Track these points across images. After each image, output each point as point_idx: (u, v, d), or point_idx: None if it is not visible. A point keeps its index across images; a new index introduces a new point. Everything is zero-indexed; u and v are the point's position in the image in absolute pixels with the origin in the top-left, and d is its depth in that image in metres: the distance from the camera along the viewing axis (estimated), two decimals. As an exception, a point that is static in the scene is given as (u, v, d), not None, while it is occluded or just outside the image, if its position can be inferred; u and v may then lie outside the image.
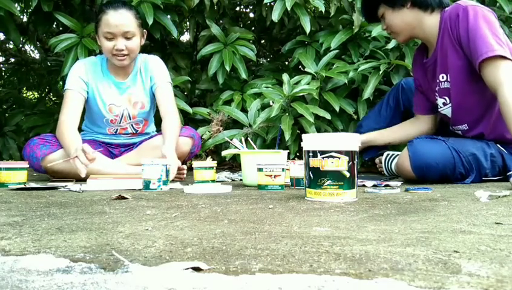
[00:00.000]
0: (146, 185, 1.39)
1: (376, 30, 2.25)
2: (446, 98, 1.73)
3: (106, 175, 1.61)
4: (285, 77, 2.24)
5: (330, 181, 1.09)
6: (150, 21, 2.18)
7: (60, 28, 2.91)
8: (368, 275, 0.46)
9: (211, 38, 2.54)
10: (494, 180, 1.67)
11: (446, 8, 1.65)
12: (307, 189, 1.14)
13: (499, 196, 1.16)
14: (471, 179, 1.61)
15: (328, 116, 2.22)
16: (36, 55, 4.05)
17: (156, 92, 1.88)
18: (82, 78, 1.84)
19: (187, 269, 0.48)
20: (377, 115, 2.08)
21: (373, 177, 1.81)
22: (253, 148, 1.81)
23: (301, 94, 2.21)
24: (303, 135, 1.16)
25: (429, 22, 1.67)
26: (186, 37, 3.28)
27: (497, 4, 2.38)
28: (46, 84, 3.76)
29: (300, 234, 0.68)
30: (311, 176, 1.11)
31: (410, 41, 2.27)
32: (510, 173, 1.56)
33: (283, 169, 1.44)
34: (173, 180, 1.69)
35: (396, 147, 2.19)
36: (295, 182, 1.50)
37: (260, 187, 1.44)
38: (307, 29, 2.32)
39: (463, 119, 1.72)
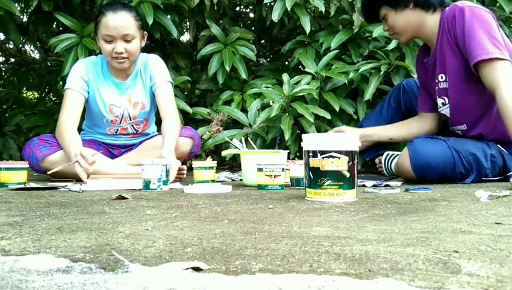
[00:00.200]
0: (146, 185, 1.39)
1: (377, 31, 2.25)
2: (445, 98, 1.73)
3: (106, 175, 1.61)
4: (285, 77, 2.24)
5: (330, 181, 1.09)
6: (150, 21, 2.18)
7: (60, 28, 2.91)
8: (368, 275, 0.46)
9: (211, 38, 2.54)
10: (494, 181, 1.67)
11: (447, 8, 1.65)
12: (307, 189, 1.14)
13: (499, 196, 1.16)
14: (471, 179, 1.61)
15: (328, 116, 2.22)
16: (36, 55, 4.05)
17: (156, 91, 1.88)
18: (82, 77, 1.83)
19: (187, 269, 0.48)
20: (378, 115, 2.08)
21: (373, 177, 1.81)
22: (253, 148, 1.81)
23: (301, 94, 2.21)
24: (303, 135, 1.16)
25: (431, 22, 1.67)
26: (186, 37, 3.28)
27: (497, 4, 2.38)
28: (46, 84, 3.76)
29: (300, 234, 0.68)
30: (311, 176, 1.11)
31: (410, 42, 2.27)
32: (510, 173, 1.56)
33: (283, 169, 1.44)
34: (173, 180, 1.69)
35: (396, 147, 2.19)
36: (295, 182, 1.50)
37: (260, 187, 1.44)
38: (307, 29, 2.32)
39: (462, 120, 1.73)
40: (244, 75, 2.44)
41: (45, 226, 0.75)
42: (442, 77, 1.71)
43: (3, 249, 0.59)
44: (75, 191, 1.36)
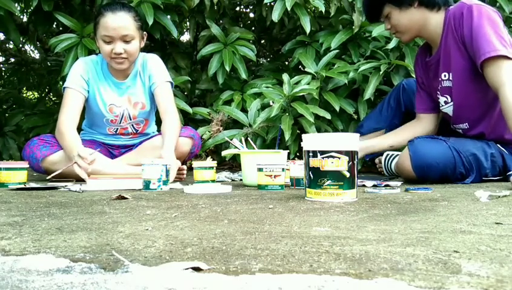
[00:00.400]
0: (146, 185, 1.39)
1: (377, 30, 2.25)
2: (448, 97, 1.73)
3: (106, 175, 1.61)
4: (285, 76, 2.24)
5: (330, 181, 1.09)
6: (150, 21, 2.18)
7: (60, 28, 2.91)
8: (368, 275, 0.46)
9: (211, 38, 2.54)
10: (494, 180, 1.67)
11: (451, 7, 1.65)
12: (307, 189, 1.14)
13: (499, 196, 1.16)
14: (471, 179, 1.61)
15: (328, 116, 2.22)
16: (36, 55, 4.06)
17: (155, 91, 1.87)
18: (82, 76, 1.83)
19: (187, 269, 0.48)
20: (378, 115, 2.08)
21: (373, 177, 1.81)
22: (253, 148, 1.81)
23: (301, 94, 2.21)
24: (303, 135, 1.16)
25: (435, 21, 1.66)
26: (186, 37, 3.28)
27: (497, 4, 2.38)
28: (46, 84, 3.77)
29: (300, 234, 0.68)
30: (311, 176, 1.11)
31: (411, 41, 2.27)
32: (510, 173, 1.56)
33: (283, 169, 1.44)
34: (173, 180, 1.69)
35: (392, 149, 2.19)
36: (295, 182, 1.50)
37: (260, 187, 1.44)
38: (307, 29, 2.32)
39: (464, 118, 1.72)
40: (244, 75, 2.44)
41: (45, 226, 0.75)
42: (445, 76, 1.70)
43: (3, 249, 0.59)
44: (75, 191, 1.36)
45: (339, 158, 1.08)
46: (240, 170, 1.75)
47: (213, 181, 1.64)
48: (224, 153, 1.72)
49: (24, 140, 2.67)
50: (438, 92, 1.77)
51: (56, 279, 0.45)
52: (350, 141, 1.11)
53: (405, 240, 0.63)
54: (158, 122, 2.02)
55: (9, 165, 1.49)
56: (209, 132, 2.30)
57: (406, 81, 2.07)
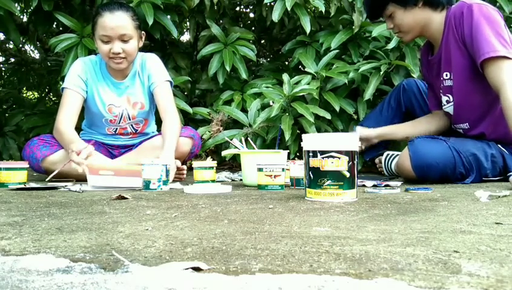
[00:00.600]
0: (146, 185, 1.39)
1: (377, 30, 2.25)
2: (450, 96, 1.73)
3: (106, 168, 1.58)
4: (285, 76, 2.24)
5: (330, 181, 1.09)
6: (150, 21, 2.18)
7: (60, 28, 2.91)
8: (368, 275, 0.46)
9: (211, 38, 2.54)
10: (494, 181, 1.67)
11: (452, 6, 1.65)
12: (307, 189, 1.14)
13: (499, 196, 1.16)
14: (471, 179, 1.61)
15: (328, 116, 2.22)
16: (36, 55, 4.06)
17: (154, 91, 1.87)
18: (80, 76, 1.83)
19: (187, 269, 0.48)
20: (378, 115, 2.08)
21: (373, 177, 1.81)
22: (253, 148, 1.81)
23: (301, 94, 2.21)
24: (303, 135, 1.16)
25: (437, 20, 1.66)
26: (186, 37, 3.28)
27: (497, 4, 2.38)
28: (46, 84, 3.77)
29: (300, 234, 0.68)
30: (311, 176, 1.11)
31: (412, 41, 2.27)
32: (510, 173, 1.56)
33: (283, 169, 1.44)
34: (173, 180, 1.69)
35: (396, 147, 2.19)
36: (295, 182, 1.50)
37: (260, 187, 1.44)
38: (307, 29, 2.32)
39: (464, 118, 1.72)
40: (244, 75, 2.44)
41: (45, 226, 0.75)
42: (446, 75, 1.70)
43: (3, 249, 0.59)
44: (75, 191, 1.36)
45: (339, 158, 1.08)
46: (240, 170, 1.75)
47: (213, 181, 1.64)
48: (224, 153, 1.72)
49: (24, 140, 2.67)
50: (441, 91, 1.77)
51: (56, 279, 0.45)
52: (350, 141, 1.11)
53: (405, 240, 0.63)
54: (158, 122, 2.02)
55: (9, 165, 1.49)
56: (209, 131, 2.30)
57: (406, 82, 2.07)
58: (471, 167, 1.60)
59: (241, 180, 1.85)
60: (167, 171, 1.43)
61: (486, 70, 1.52)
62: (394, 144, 2.17)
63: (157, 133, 2.05)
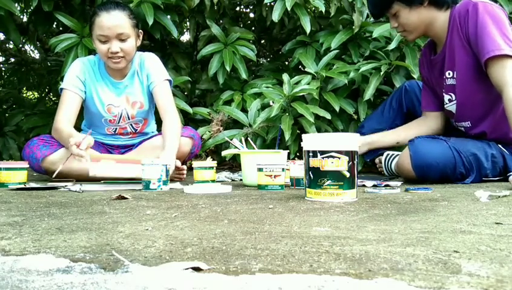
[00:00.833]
0: (146, 185, 1.39)
1: (377, 31, 2.25)
2: (452, 95, 1.73)
3: (108, 157, 1.57)
4: (285, 76, 2.24)
5: (330, 181, 1.09)
6: (150, 21, 2.18)
7: (60, 28, 2.91)
8: (368, 275, 0.46)
9: (211, 39, 2.54)
10: (494, 181, 1.67)
11: (457, 5, 1.65)
12: (307, 189, 1.14)
13: (499, 196, 1.16)
14: (471, 179, 1.60)
15: (328, 116, 2.22)
16: (36, 55, 4.06)
17: (154, 91, 1.87)
18: (78, 77, 1.83)
19: (187, 269, 0.48)
20: (379, 116, 2.09)
21: (373, 177, 1.81)
22: (253, 148, 1.81)
23: (301, 94, 2.21)
24: (303, 135, 1.16)
25: (441, 19, 1.66)
26: (186, 37, 3.28)
27: (497, 4, 2.38)
28: (46, 84, 3.77)
29: (300, 234, 0.68)
30: (311, 176, 1.11)
31: (412, 42, 2.27)
32: (510, 173, 1.56)
33: (283, 169, 1.44)
34: (173, 180, 1.69)
35: (397, 147, 2.19)
36: (295, 182, 1.50)
37: (260, 187, 1.44)
38: (307, 29, 2.32)
39: (467, 116, 1.72)
40: (244, 75, 2.44)
41: (45, 226, 0.75)
42: (449, 74, 1.70)
43: (3, 249, 0.59)
44: (75, 191, 1.36)
45: (339, 158, 1.08)
46: (240, 170, 1.75)
47: (213, 181, 1.64)
48: (224, 153, 1.72)
49: (24, 140, 2.67)
50: (443, 90, 1.77)
51: (56, 279, 0.45)
52: (350, 141, 1.11)
53: (405, 240, 0.63)
54: (158, 121, 2.02)
55: (9, 165, 1.49)
56: (209, 132, 2.30)
57: (408, 83, 2.08)
58: (471, 167, 1.60)
59: (241, 180, 1.85)
60: (167, 171, 1.43)
61: (490, 69, 1.52)
62: (384, 147, 2.17)
63: (156, 133, 2.05)
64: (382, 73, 2.19)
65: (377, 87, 2.26)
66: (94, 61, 1.89)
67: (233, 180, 1.89)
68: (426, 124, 1.89)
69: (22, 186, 1.45)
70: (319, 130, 2.29)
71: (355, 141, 1.12)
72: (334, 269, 0.48)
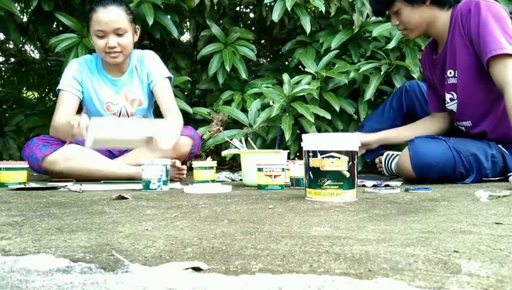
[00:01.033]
0: (146, 185, 1.39)
1: (377, 30, 2.25)
2: (453, 94, 1.73)
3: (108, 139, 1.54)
4: (285, 76, 2.24)
5: (330, 181, 1.09)
6: (150, 21, 2.19)
7: (60, 28, 2.91)
8: (368, 275, 0.46)
9: (211, 39, 2.54)
10: (494, 181, 1.67)
11: (459, 4, 1.65)
12: (307, 189, 1.14)
13: (499, 196, 1.16)
14: (471, 179, 1.60)
15: (328, 116, 2.22)
16: (36, 55, 4.06)
17: (154, 89, 1.87)
18: (75, 77, 1.83)
19: (187, 269, 0.48)
20: (380, 116, 2.09)
21: (373, 177, 1.81)
22: (253, 148, 1.81)
23: (301, 94, 2.21)
24: (303, 135, 1.16)
25: (443, 18, 1.66)
26: (186, 37, 3.28)
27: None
28: (46, 84, 3.77)
29: (300, 234, 0.68)
30: (311, 176, 1.11)
31: (410, 42, 2.27)
32: (510, 173, 1.56)
33: (283, 169, 1.44)
34: (173, 180, 1.69)
35: (397, 147, 2.20)
36: (295, 182, 1.50)
37: (260, 187, 1.44)
38: (307, 29, 2.32)
39: (467, 115, 1.72)
40: (244, 75, 2.44)
41: (45, 226, 0.75)
42: (450, 73, 1.70)
43: (3, 249, 0.59)
44: (75, 191, 1.36)
45: (339, 158, 1.08)
46: (240, 170, 1.75)
47: (213, 181, 1.64)
48: (224, 153, 1.72)
49: (24, 140, 2.67)
50: (444, 89, 1.77)
51: (56, 279, 0.45)
52: (350, 141, 1.11)
53: (405, 240, 0.63)
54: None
55: (9, 165, 1.49)
56: (209, 132, 2.30)
57: (409, 84, 2.08)
58: (471, 167, 1.60)
59: (241, 180, 1.85)
60: (167, 171, 1.43)
61: (492, 68, 1.52)
62: (395, 144, 2.17)
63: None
64: (382, 73, 2.19)
65: (378, 87, 2.26)
66: (90, 60, 1.90)
67: (233, 180, 1.89)
68: (435, 123, 1.87)
69: (22, 186, 1.45)
70: (319, 130, 2.29)
71: (355, 141, 1.12)
72: (334, 269, 0.48)
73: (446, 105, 1.79)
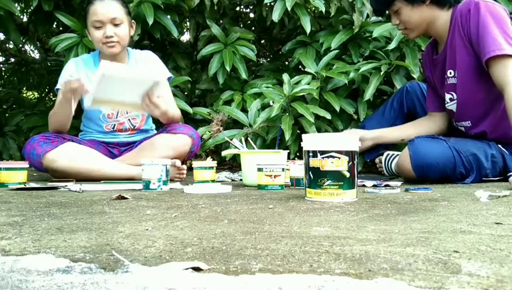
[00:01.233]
0: (146, 185, 1.39)
1: (377, 30, 2.25)
2: (453, 94, 1.73)
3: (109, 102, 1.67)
4: (285, 76, 2.24)
5: (330, 181, 1.09)
6: (150, 21, 2.19)
7: (60, 28, 2.91)
8: (368, 275, 0.46)
9: (211, 39, 2.54)
10: (494, 181, 1.67)
11: (459, 4, 1.65)
12: (307, 189, 1.14)
13: (499, 196, 1.16)
14: (471, 179, 1.61)
15: (328, 116, 2.22)
16: (36, 55, 4.06)
17: None
18: (72, 76, 1.85)
19: (187, 269, 0.48)
20: (380, 116, 2.09)
21: (373, 177, 1.81)
22: (253, 148, 1.81)
23: (301, 94, 2.21)
24: (303, 135, 1.16)
25: (443, 18, 1.66)
26: (186, 37, 3.28)
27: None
28: (46, 84, 3.76)
29: (300, 234, 0.68)
30: (311, 176, 1.11)
31: (410, 42, 2.27)
32: (510, 173, 1.56)
33: (283, 169, 1.44)
34: (173, 180, 1.69)
35: (397, 147, 2.20)
36: (295, 182, 1.50)
37: (260, 187, 1.44)
38: (307, 29, 2.32)
39: (467, 116, 1.72)
40: (244, 75, 2.44)
41: (45, 226, 0.75)
42: (450, 73, 1.70)
43: (3, 249, 0.59)
44: (75, 191, 1.36)
45: (339, 158, 1.08)
46: (240, 170, 1.75)
47: (213, 181, 1.64)
48: (224, 153, 1.72)
49: (24, 140, 2.67)
50: (444, 89, 1.77)
51: (56, 279, 0.45)
52: (350, 141, 1.11)
53: (405, 240, 0.63)
54: (157, 120, 2.03)
55: (9, 165, 1.49)
56: (209, 131, 2.30)
57: (409, 84, 2.09)
58: (471, 167, 1.60)
59: (241, 180, 1.85)
60: (167, 171, 1.43)
61: (492, 68, 1.52)
62: (394, 144, 2.17)
63: (156, 132, 2.05)
64: (382, 73, 2.19)
65: (378, 87, 2.26)
66: (87, 58, 1.94)
67: (233, 180, 1.89)
68: (432, 123, 1.88)
69: (22, 186, 1.45)
70: (319, 130, 2.29)
71: (355, 141, 1.12)
72: (334, 269, 0.48)
73: (446, 105, 1.79)
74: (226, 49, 2.46)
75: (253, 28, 3.12)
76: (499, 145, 1.68)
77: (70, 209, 0.96)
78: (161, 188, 1.40)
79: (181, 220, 0.81)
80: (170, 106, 1.86)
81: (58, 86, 1.86)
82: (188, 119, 2.52)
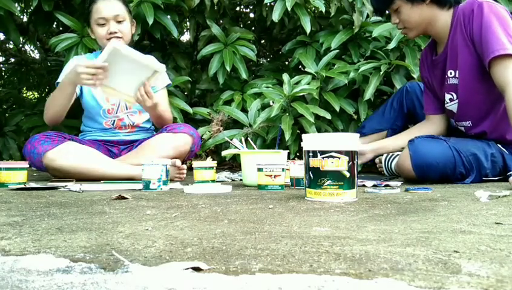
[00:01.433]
0: (146, 185, 1.39)
1: (377, 30, 2.25)
2: (453, 94, 1.73)
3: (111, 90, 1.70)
4: (285, 76, 2.24)
5: (330, 181, 1.09)
6: (150, 21, 2.19)
7: (61, 28, 2.91)
8: (368, 275, 0.46)
9: (211, 38, 2.54)
10: (494, 181, 1.67)
11: (460, 4, 1.65)
12: (307, 189, 1.14)
13: (499, 196, 1.16)
14: (471, 179, 1.61)
15: (328, 116, 2.22)
16: (36, 55, 4.06)
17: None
18: None
19: (187, 269, 0.48)
20: (380, 116, 2.09)
21: (373, 177, 1.81)
22: (253, 148, 1.81)
23: (301, 94, 2.21)
24: (303, 135, 1.16)
25: (443, 18, 1.66)
26: (186, 37, 3.28)
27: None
28: (46, 84, 3.76)
29: (300, 234, 0.68)
30: (311, 176, 1.11)
31: (410, 41, 2.27)
32: (510, 173, 1.56)
33: (283, 169, 1.43)
34: (173, 180, 1.69)
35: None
36: (295, 182, 1.50)
37: (260, 187, 1.44)
38: (308, 29, 2.32)
39: (468, 116, 1.72)
40: (244, 75, 2.44)
41: (45, 226, 0.75)
42: (451, 73, 1.70)
43: (3, 249, 0.59)
44: (75, 191, 1.36)
45: (339, 158, 1.08)
46: (240, 170, 1.75)
47: (213, 181, 1.64)
48: (224, 153, 1.72)
49: (24, 140, 2.67)
50: (444, 90, 1.77)
51: (56, 279, 0.45)
52: (350, 141, 1.11)
53: (405, 240, 0.63)
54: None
55: (9, 165, 1.49)
56: (209, 131, 2.30)
57: (409, 84, 2.09)
58: (471, 167, 1.60)
59: (241, 180, 1.85)
60: (167, 171, 1.43)
61: (493, 69, 1.52)
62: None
63: (155, 133, 2.05)
64: (382, 73, 2.20)
65: (377, 87, 2.26)
66: (90, 57, 2.00)
67: (233, 180, 1.89)
68: (430, 127, 1.87)
69: (22, 186, 1.45)
70: (319, 130, 2.29)
71: (355, 141, 1.12)
72: (334, 269, 0.48)
73: (446, 105, 1.79)
74: (226, 49, 2.46)
75: (253, 28, 3.12)
76: (499, 145, 1.68)
77: (70, 209, 0.96)
78: (161, 188, 1.40)
79: (181, 220, 0.81)
80: (164, 107, 1.93)
81: (59, 80, 1.88)
82: (188, 119, 2.52)
